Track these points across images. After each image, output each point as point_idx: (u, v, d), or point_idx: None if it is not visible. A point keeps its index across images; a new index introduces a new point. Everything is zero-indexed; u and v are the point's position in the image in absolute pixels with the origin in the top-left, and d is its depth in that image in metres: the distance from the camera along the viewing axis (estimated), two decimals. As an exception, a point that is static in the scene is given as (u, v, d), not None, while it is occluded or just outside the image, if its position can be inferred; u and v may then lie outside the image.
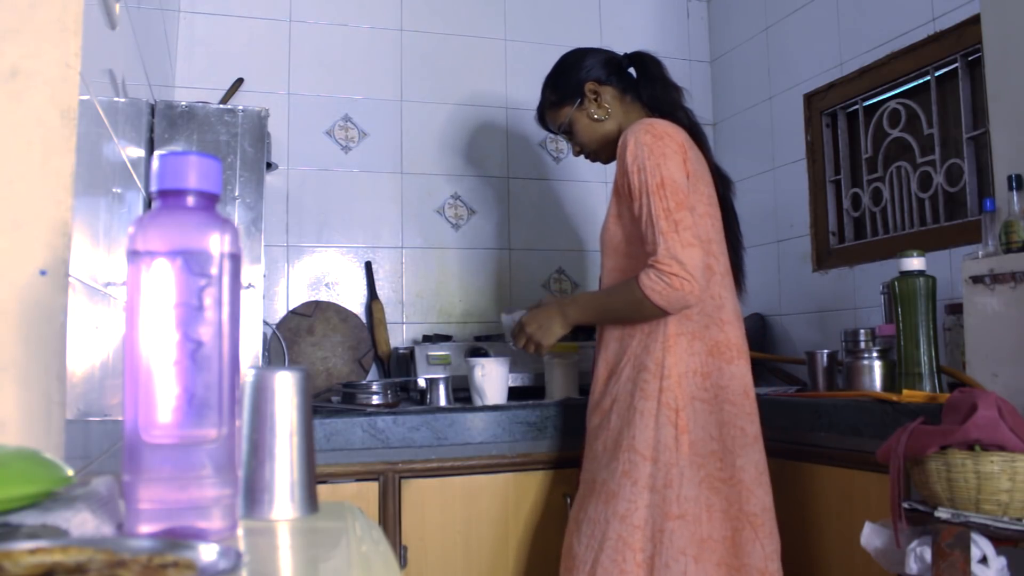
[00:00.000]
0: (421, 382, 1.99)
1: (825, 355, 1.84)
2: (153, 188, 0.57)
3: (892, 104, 2.11)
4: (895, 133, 2.11)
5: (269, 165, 2.01)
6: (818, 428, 1.59)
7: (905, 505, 1.21)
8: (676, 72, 1.83)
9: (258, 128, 1.74)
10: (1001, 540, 1.12)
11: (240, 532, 0.60)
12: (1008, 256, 1.40)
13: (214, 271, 0.56)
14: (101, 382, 0.99)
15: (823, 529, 1.61)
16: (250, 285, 1.72)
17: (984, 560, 1.10)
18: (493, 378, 1.85)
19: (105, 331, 1.01)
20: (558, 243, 2.58)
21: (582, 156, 1.80)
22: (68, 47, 0.79)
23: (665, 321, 1.51)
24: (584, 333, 2.12)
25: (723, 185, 1.70)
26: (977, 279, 1.43)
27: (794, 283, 2.40)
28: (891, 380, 1.64)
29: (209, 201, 0.58)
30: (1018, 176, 1.45)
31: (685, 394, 1.48)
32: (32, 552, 0.42)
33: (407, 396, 2.09)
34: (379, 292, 2.38)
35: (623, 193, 1.57)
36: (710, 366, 1.51)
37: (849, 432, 1.52)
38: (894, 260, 1.60)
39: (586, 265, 2.59)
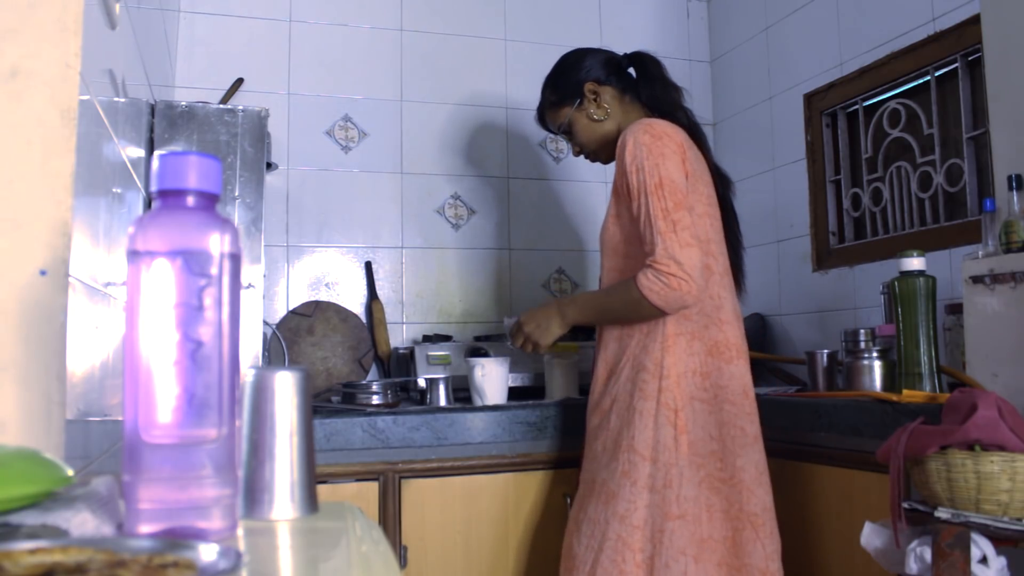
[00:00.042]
0: (421, 382, 1.99)
1: (825, 355, 1.84)
2: (153, 188, 0.57)
3: (892, 104, 2.11)
4: (895, 133, 2.11)
5: (269, 165, 2.01)
6: (818, 428, 1.59)
7: (905, 505, 1.21)
8: (676, 72, 1.83)
9: (258, 128, 1.74)
10: (1001, 540, 1.12)
11: (240, 532, 0.60)
12: (1008, 256, 1.40)
13: (214, 271, 0.56)
14: (101, 382, 0.99)
15: (823, 529, 1.61)
16: (250, 285, 1.71)
17: (984, 560, 1.10)
18: (493, 378, 1.85)
19: (105, 331, 1.01)
20: (558, 243, 2.58)
21: (582, 156, 1.80)
22: (68, 47, 0.79)
23: (664, 321, 1.51)
24: (584, 333, 2.12)
25: (723, 185, 1.70)
26: (977, 279, 1.43)
27: (794, 283, 2.40)
28: (891, 380, 1.64)
29: (209, 201, 0.58)
30: (1018, 176, 1.45)
31: (684, 394, 1.48)
32: (32, 552, 0.42)
33: (407, 396, 2.09)
34: (379, 292, 2.38)
35: (622, 193, 1.57)
36: (709, 366, 1.51)
37: (849, 432, 1.52)
38: (894, 260, 1.60)
39: (586, 265, 2.59)
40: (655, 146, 1.51)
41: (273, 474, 0.69)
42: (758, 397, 1.58)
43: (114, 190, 1.10)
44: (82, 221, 0.86)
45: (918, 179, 2.03)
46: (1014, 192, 1.44)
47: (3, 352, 0.74)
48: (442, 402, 1.87)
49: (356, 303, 2.37)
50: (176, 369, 0.55)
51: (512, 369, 1.95)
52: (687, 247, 1.45)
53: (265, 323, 2.09)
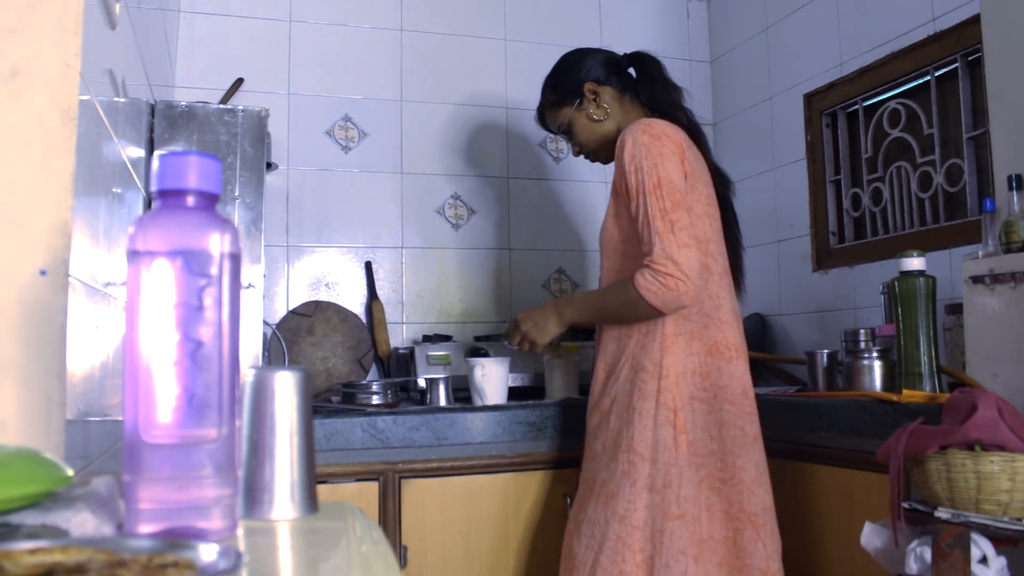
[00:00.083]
0: (421, 382, 1.99)
1: (825, 355, 1.84)
2: (153, 188, 0.57)
3: (892, 104, 2.11)
4: (895, 133, 2.11)
5: (269, 165, 2.01)
6: (818, 428, 1.59)
7: (905, 505, 1.21)
8: (676, 72, 1.83)
9: (258, 128, 1.74)
10: (1001, 540, 1.12)
11: (240, 532, 0.60)
12: (1008, 256, 1.40)
13: (214, 271, 0.56)
14: (101, 382, 0.99)
15: (823, 529, 1.61)
16: (250, 285, 1.72)
17: (984, 560, 1.10)
18: (493, 378, 1.85)
19: (105, 331, 1.01)
20: (558, 243, 2.58)
21: (582, 156, 1.81)
22: (68, 47, 0.79)
23: (663, 321, 1.51)
24: (584, 333, 2.13)
25: (722, 185, 1.70)
26: (977, 279, 1.43)
27: (794, 283, 2.40)
28: (891, 380, 1.64)
29: (209, 201, 0.58)
30: (1018, 176, 1.45)
31: (683, 394, 1.48)
32: (32, 552, 0.42)
33: (407, 396, 2.09)
34: (379, 292, 2.39)
35: (621, 193, 1.57)
36: (709, 366, 1.51)
37: (849, 432, 1.52)
38: (894, 260, 1.60)
39: (586, 265, 2.59)
40: (654, 146, 1.51)
41: (273, 474, 0.69)
42: (758, 397, 1.58)
43: (114, 190, 1.10)
44: (82, 221, 0.86)
45: (918, 179, 2.03)
46: (1014, 192, 1.44)
47: (3, 352, 0.74)
48: (442, 402, 1.87)
49: (356, 303, 2.37)
50: (176, 369, 0.55)
51: (512, 369, 1.95)
52: (685, 247, 1.45)
53: (265, 323, 2.09)
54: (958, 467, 1.14)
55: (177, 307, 0.55)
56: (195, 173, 0.57)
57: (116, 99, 1.12)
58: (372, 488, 1.66)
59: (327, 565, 0.58)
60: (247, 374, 0.70)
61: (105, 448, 1.01)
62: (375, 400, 1.80)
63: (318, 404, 1.81)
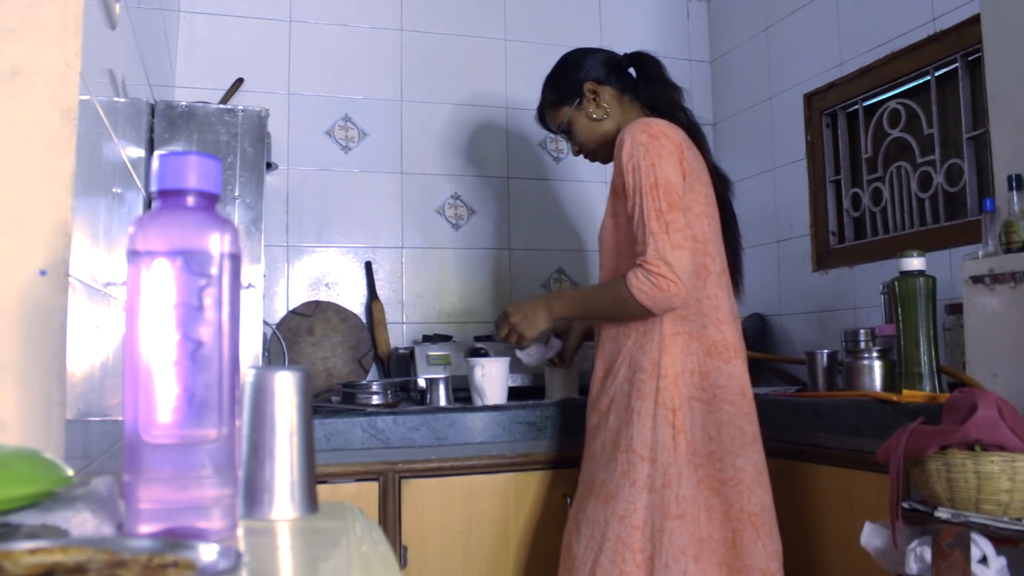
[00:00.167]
0: (421, 382, 1.99)
1: (825, 355, 1.84)
2: (153, 188, 0.57)
3: (892, 104, 2.11)
4: (895, 133, 2.11)
5: (269, 165, 2.01)
6: (818, 428, 1.59)
7: (905, 505, 1.21)
8: (676, 72, 1.83)
9: (258, 128, 1.74)
10: (1001, 540, 1.12)
11: (240, 532, 0.60)
12: (1008, 256, 1.40)
13: (214, 271, 0.56)
14: (101, 382, 0.99)
15: (823, 529, 1.61)
16: (250, 285, 1.72)
17: (984, 560, 1.10)
18: (493, 378, 1.85)
19: (105, 331, 1.01)
20: (558, 243, 2.58)
21: (581, 156, 1.81)
22: (68, 47, 0.79)
23: (661, 321, 1.51)
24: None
25: (722, 185, 1.70)
26: (977, 279, 1.43)
27: (794, 283, 2.40)
28: (891, 380, 1.64)
29: (209, 201, 0.58)
30: (1018, 176, 1.45)
31: (682, 394, 1.48)
32: (32, 552, 0.42)
33: (407, 396, 2.09)
34: (379, 292, 2.39)
35: (619, 192, 1.57)
36: (708, 366, 1.51)
37: (849, 432, 1.52)
38: (894, 260, 1.60)
39: (586, 265, 2.59)
40: (652, 146, 1.51)
41: (273, 474, 0.69)
42: (758, 397, 1.58)
43: (114, 190, 1.10)
44: (82, 221, 0.86)
45: (918, 179, 2.03)
46: (1014, 192, 1.44)
47: (3, 352, 0.74)
48: (442, 402, 1.87)
49: (356, 303, 2.37)
50: (176, 369, 0.55)
51: (512, 369, 1.95)
52: (678, 249, 1.45)
53: (265, 323, 2.09)
54: (958, 467, 1.14)
55: (177, 307, 0.55)
56: (195, 173, 0.57)
57: (116, 99, 1.12)
58: (372, 488, 1.66)
59: (327, 565, 0.58)
60: (247, 374, 0.70)
61: (105, 448, 1.01)
62: (375, 400, 1.80)
63: (318, 404, 1.81)
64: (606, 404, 1.55)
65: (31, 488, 0.52)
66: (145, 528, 0.54)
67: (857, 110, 2.22)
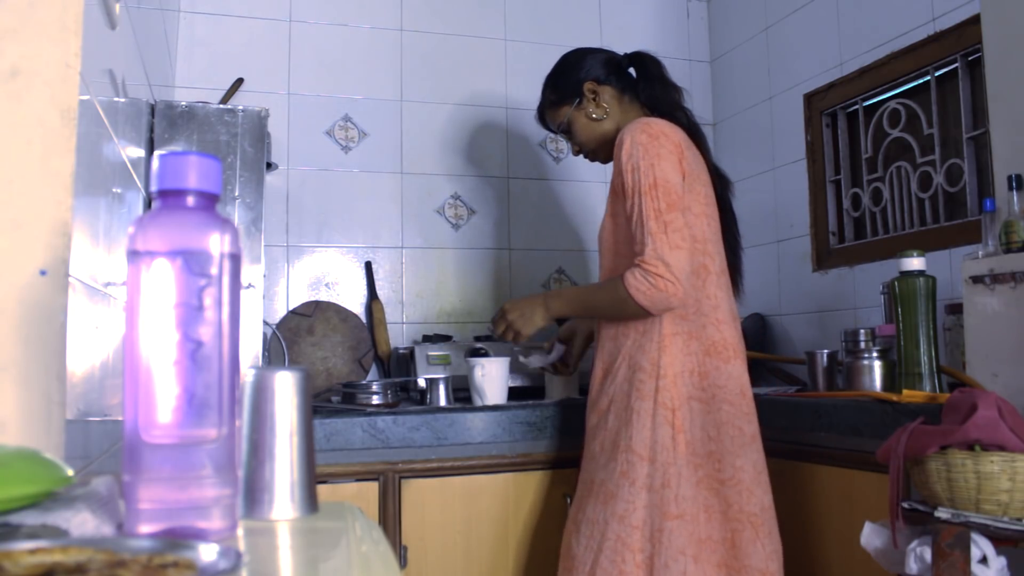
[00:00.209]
0: (421, 382, 1.99)
1: (825, 355, 1.84)
2: (153, 188, 0.57)
3: (892, 104, 2.11)
4: (895, 133, 2.11)
5: (269, 165, 2.01)
6: (818, 428, 1.59)
7: (905, 505, 1.21)
8: (676, 72, 1.83)
9: (258, 128, 1.74)
10: (1001, 540, 1.12)
11: (240, 532, 0.60)
12: (1008, 256, 1.40)
13: (214, 271, 0.56)
14: (101, 382, 0.99)
15: (823, 529, 1.61)
16: (250, 285, 1.72)
17: (984, 560, 1.10)
18: (493, 378, 1.85)
19: (105, 331, 1.01)
20: (558, 243, 2.58)
21: (581, 156, 1.81)
22: (68, 47, 0.79)
23: (660, 320, 1.51)
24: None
25: (722, 185, 1.70)
26: (977, 279, 1.43)
27: (794, 283, 2.40)
28: (891, 380, 1.64)
29: (209, 201, 0.58)
30: (1018, 176, 1.45)
31: (681, 394, 1.48)
32: (32, 552, 0.42)
33: (407, 396, 2.09)
34: (379, 292, 2.39)
35: (618, 192, 1.57)
36: (707, 366, 1.51)
37: (849, 432, 1.52)
38: (894, 260, 1.60)
39: (586, 265, 2.59)
40: (652, 146, 1.51)
41: (273, 474, 0.69)
42: (757, 397, 1.58)
43: (114, 190, 1.10)
44: (82, 221, 0.86)
45: (918, 179, 2.03)
46: (1014, 192, 1.44)
47: (3, 352, 0.74)
48: (442, 402, 1.87)
49: (356, 303, 2.37)
50: (176, 369, 0.55)
51: (512, 369, 1.95)
52: (676, 249, 1.45)
53: (265, 323, 2.09)
54: (958, 467, 1.14)
55: (177, 307, 0.55)
56: (195, 173, 0.57)
57: (116, 99, 1.12)
58: (372, 488, 1.66)
59: (327, 565, 0.58)
60: (247, 374, 0.70)
61: (105, 448, 1.01)
62: (375, 400, 1.80)
63: (318, 404, 1.81)
64: (605, 404, 1.55)
65: (31, 488, 0.52)
66: (145, 528, 0.54)
67: (857, 110, 2.22)
